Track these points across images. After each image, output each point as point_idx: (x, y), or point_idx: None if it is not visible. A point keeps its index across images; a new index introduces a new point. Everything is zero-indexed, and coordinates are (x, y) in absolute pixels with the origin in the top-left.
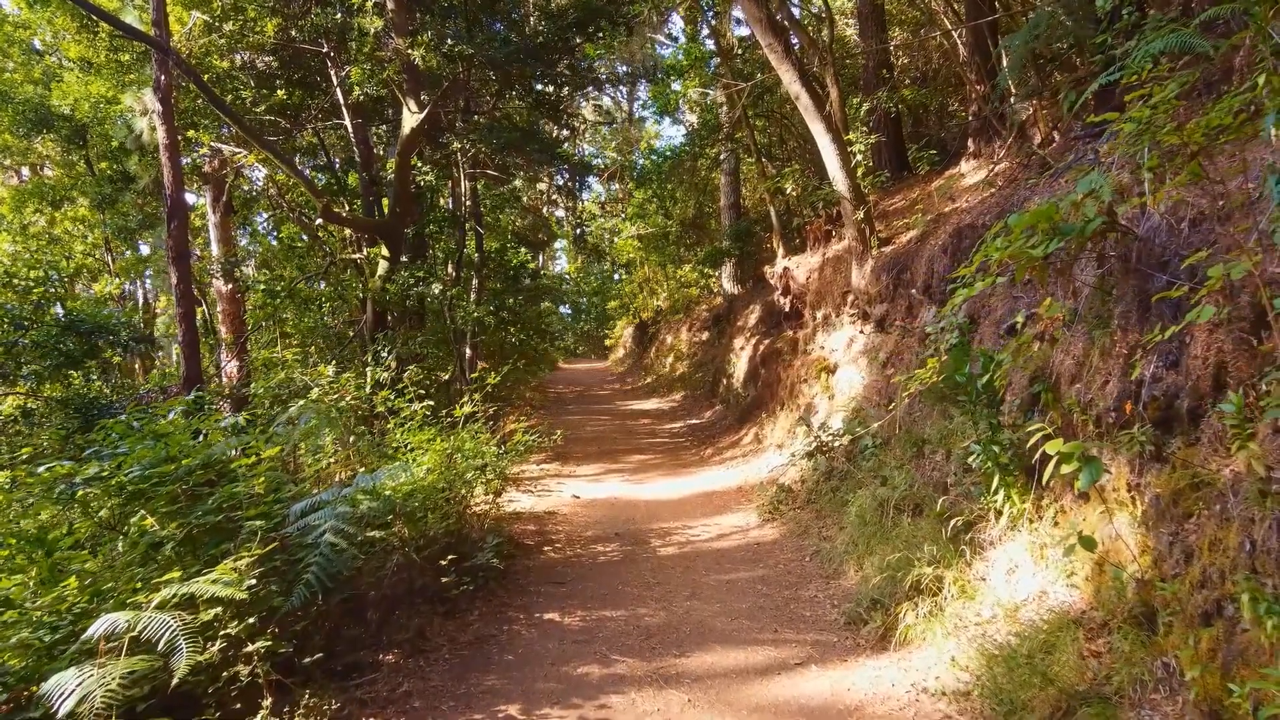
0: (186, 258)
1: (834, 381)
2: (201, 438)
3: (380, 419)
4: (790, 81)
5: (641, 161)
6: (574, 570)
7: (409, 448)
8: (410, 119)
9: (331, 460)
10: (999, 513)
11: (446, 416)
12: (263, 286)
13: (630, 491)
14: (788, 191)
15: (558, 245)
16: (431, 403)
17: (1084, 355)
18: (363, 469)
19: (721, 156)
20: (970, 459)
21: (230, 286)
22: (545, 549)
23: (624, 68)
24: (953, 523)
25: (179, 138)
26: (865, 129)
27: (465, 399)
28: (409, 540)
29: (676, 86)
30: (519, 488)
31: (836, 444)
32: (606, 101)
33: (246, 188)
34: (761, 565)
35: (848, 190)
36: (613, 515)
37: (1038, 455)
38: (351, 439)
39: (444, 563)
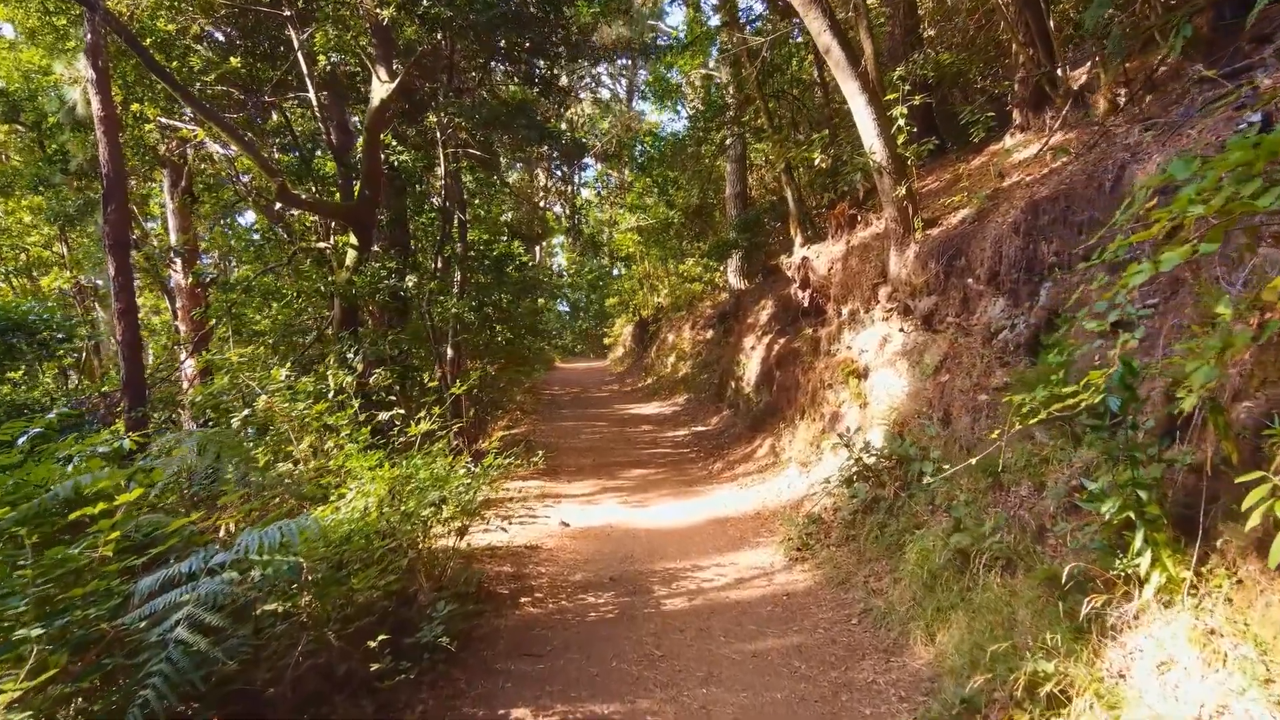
0: (126, 246)
1: (866, 387)
2: (72, 465)
3: (333, 432)
4: (819, 31)
5: (642, 150)
6: (556, 633)
7: (355, 477)
8: (380, 89)
9: (234, 502)
10: (1140, 580)
11: (400, 435)
12: (209, 276)
13: (629, 517)
14: (815, 164)
15: (556, 241)
16: (403, 411)
17: (1255, 361)
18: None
19: (727, 142)
20: (1088, 502)
21: (190, 280)
22: (522, 599)
23: (623, 59)
24: (1068, 587)
25: (121, 110)
26: (907, 87)
27: (423, 413)
28: (325, 614)
29: (676, 75)
30: (497, 512)
31: (880, 466)
32: (605, 94)
33: (212, 172)
34: (795, 628)
35: (887, 160)
36: (607, 550)
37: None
38: (272, 469)
39: (374, 644)
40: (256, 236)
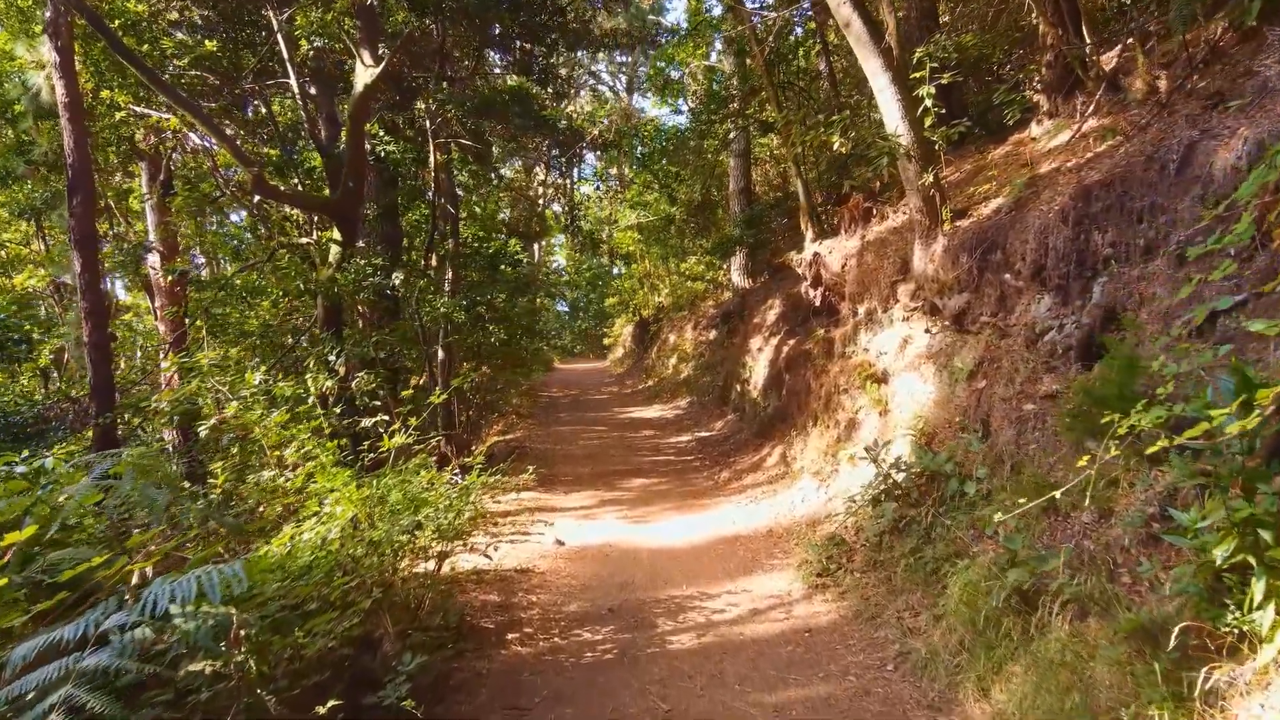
0: (93, 241)
1: (886, 393)
2: None
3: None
4: (839, 3)
5: (642, 149)
6: (547, 679)
7: (319, 498)
8: (364, 74)
9: (150, 541)
10: (1258, 639)
11: (369, 450)
12: (180, 272)
13: (630, 534)
14: (835, 147)
15: (556, 241)
16: (386, 418)
17: None
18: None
19: (731, 136)
20: (1174, 535)
21: (170, 278)
22: (509, 636)
23: (623, 56)
24: (1167, 647)
25: (92, 98)
26: (934, 64)
27: (398, 424)
28: (265, 673)
29: (676, 72)
30: (486, 529)
31: (908, 482)
32: (605, 91)
33: (193, 165)
34: (821, 674)
35: (912, 145)
36: (606, 574)
37: None
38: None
39: (324, 710)
40: (235, 232)
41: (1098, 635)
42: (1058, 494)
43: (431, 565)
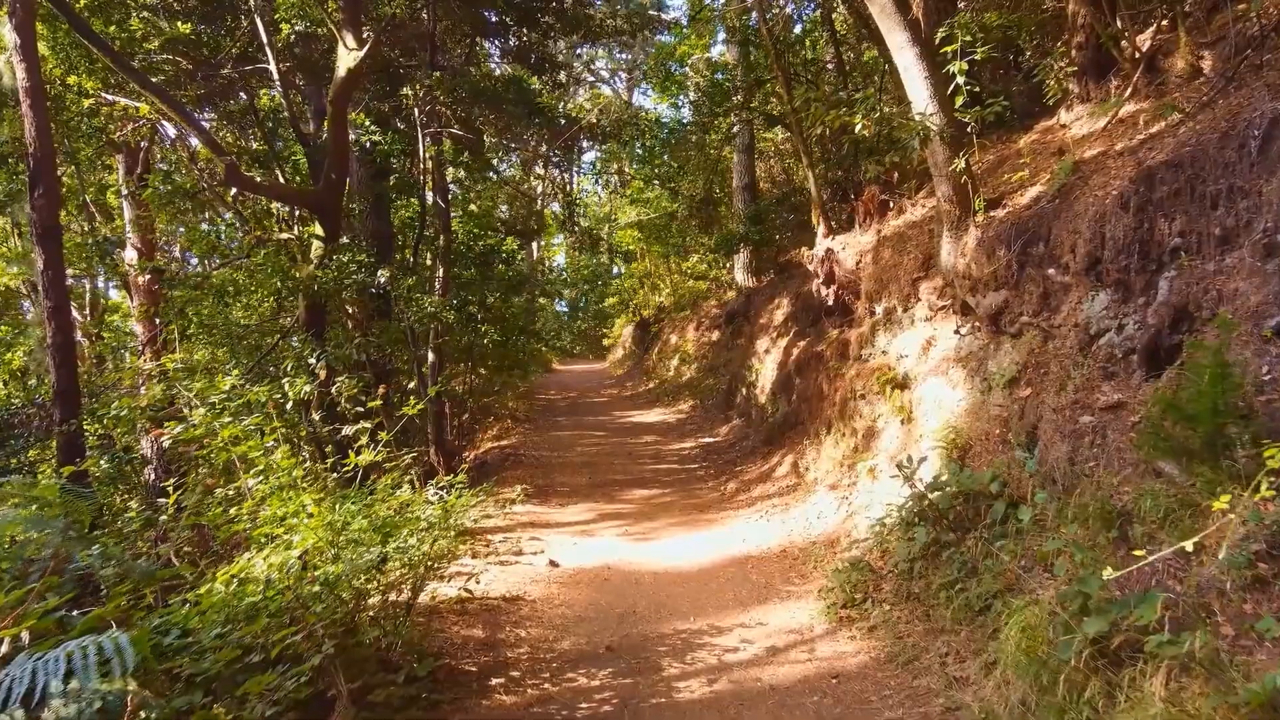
0: (57, 235)
1: (909, 400)
2: None
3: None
4: None
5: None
6: None
7: (274, 525)
8: (347, 58)
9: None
10: None
11: (349, 462)
12: (148, 268)
13: (630, 554)
14: (857, 130)
15: (555, 242)
16: (369, 425)
17: None
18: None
19: (735, 130)
20: None
21: (148, 277)
22: (494, 681)
23: (622, 54)
24: None
25: (60, 86)
26: (967, 38)
27: (365, 440)
28: None
29: (677, 70)
30: (473, 549)
31: (944, 502)
32: (605, 90)
33: (173, 158)
34: None
35: (942, 127)
36: (604, 603)
37: None
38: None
39: None
40: (221, 225)
41: (1203, 704)
42: (1189, 544)
43: (407, 595)
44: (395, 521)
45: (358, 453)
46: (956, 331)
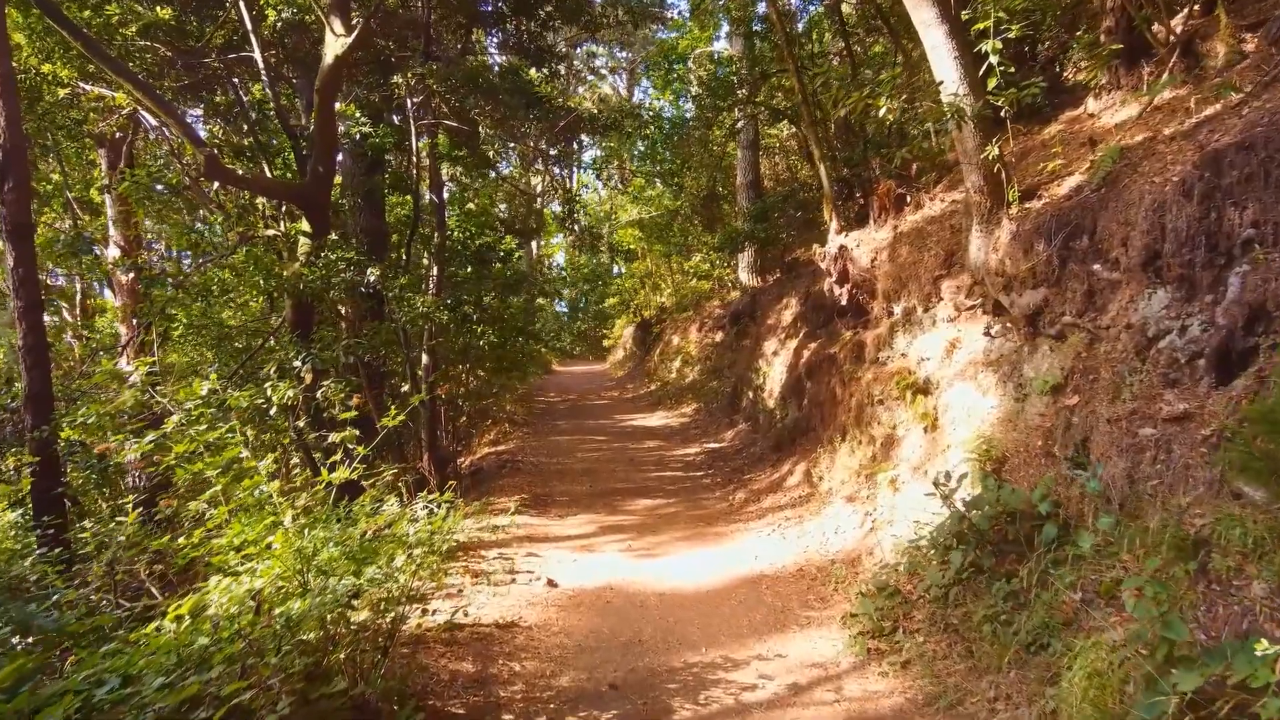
0: (28, 232)
1: (934, 406)
2: None
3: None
4: None
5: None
6: None
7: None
8: (334, 44)
9: None
10: None
11: (311, 484)
12: (125, 266)
13: (634, 572)
14: (881, 113)
15: (555, 241)
16: (358, 433)
17: None
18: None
19: (739, 125)
20: None
21: (132, 275)
22: None
23: (622, 52)
24: None
25: (35, 75)
26: (1001, 13)
27: (338, 455)
28: None
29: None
30: (465, 568)
31: (985, 524)
32: (605, 89)
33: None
34: None
35: (972, 111)
36: (607, 630)
37: None
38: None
39: None
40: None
41: None
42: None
43: (387, 629)
44: (372, 547)
45: (331, 469)
46: (987, 333)
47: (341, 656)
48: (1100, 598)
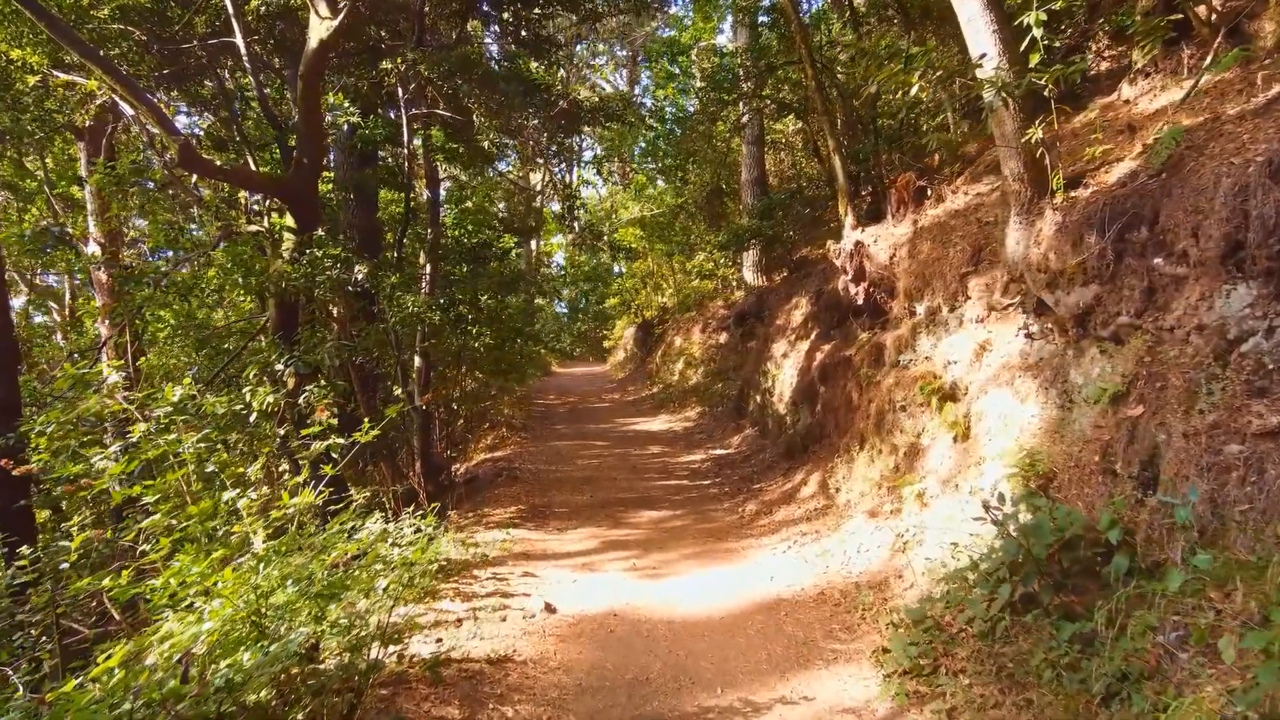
0: None
1: (965, 414)
2: None
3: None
4: None
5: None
6: None
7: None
8: (319, 27)
9: None
10: None
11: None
12: (100, 263)
13: (640, 595)
14: (913, 93)
15: (555, 240)
16: (341, 441)
17: None
18: None
19: (744, 119)
20: None
21: (111, 274)
22: None
23: (622, 50)
24: None
25: (4, 62)
26: None
27: (304, 474)
28: None
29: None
30: (456, 583)
31: (1041, 551)
32: (606, 88)
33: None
34: None
35: (1013, 88)
36: (611, 665)
37: None
38: None
39: None
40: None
41: None
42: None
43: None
44: (341, 580)
45: (314, 476)
46: (1026, 335)
47: (300, 718)
48: (1190, 645)
